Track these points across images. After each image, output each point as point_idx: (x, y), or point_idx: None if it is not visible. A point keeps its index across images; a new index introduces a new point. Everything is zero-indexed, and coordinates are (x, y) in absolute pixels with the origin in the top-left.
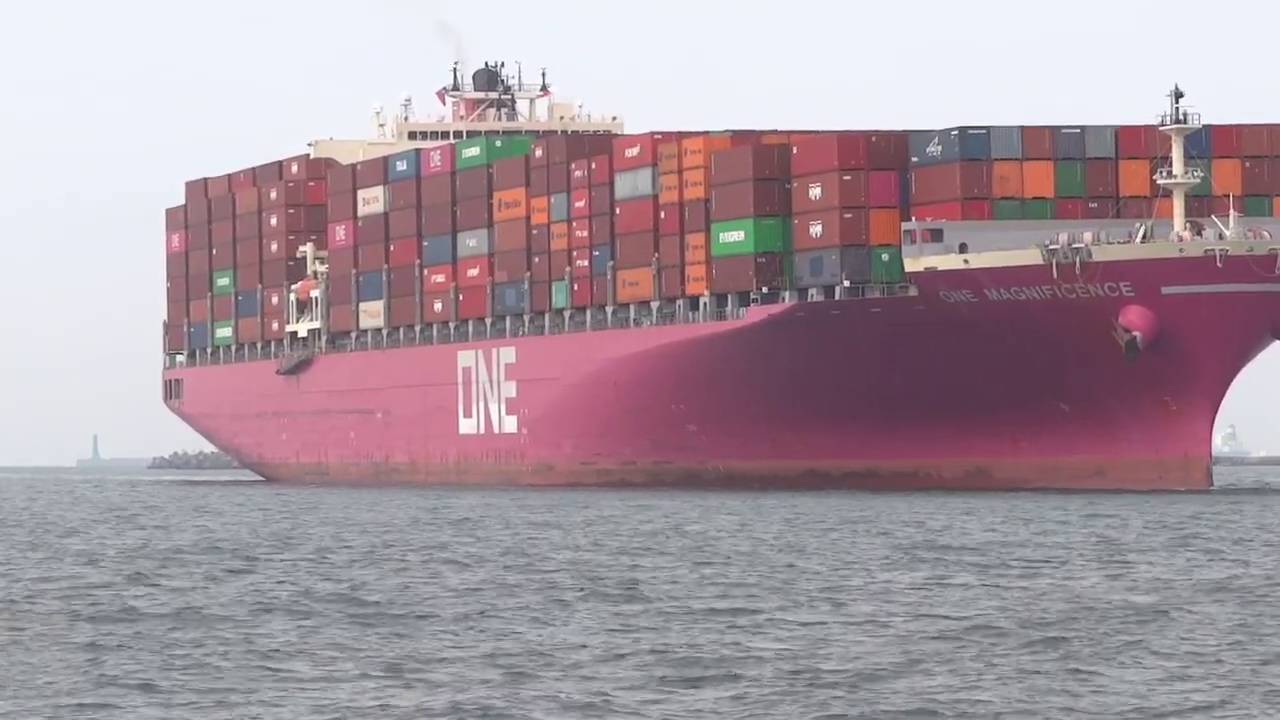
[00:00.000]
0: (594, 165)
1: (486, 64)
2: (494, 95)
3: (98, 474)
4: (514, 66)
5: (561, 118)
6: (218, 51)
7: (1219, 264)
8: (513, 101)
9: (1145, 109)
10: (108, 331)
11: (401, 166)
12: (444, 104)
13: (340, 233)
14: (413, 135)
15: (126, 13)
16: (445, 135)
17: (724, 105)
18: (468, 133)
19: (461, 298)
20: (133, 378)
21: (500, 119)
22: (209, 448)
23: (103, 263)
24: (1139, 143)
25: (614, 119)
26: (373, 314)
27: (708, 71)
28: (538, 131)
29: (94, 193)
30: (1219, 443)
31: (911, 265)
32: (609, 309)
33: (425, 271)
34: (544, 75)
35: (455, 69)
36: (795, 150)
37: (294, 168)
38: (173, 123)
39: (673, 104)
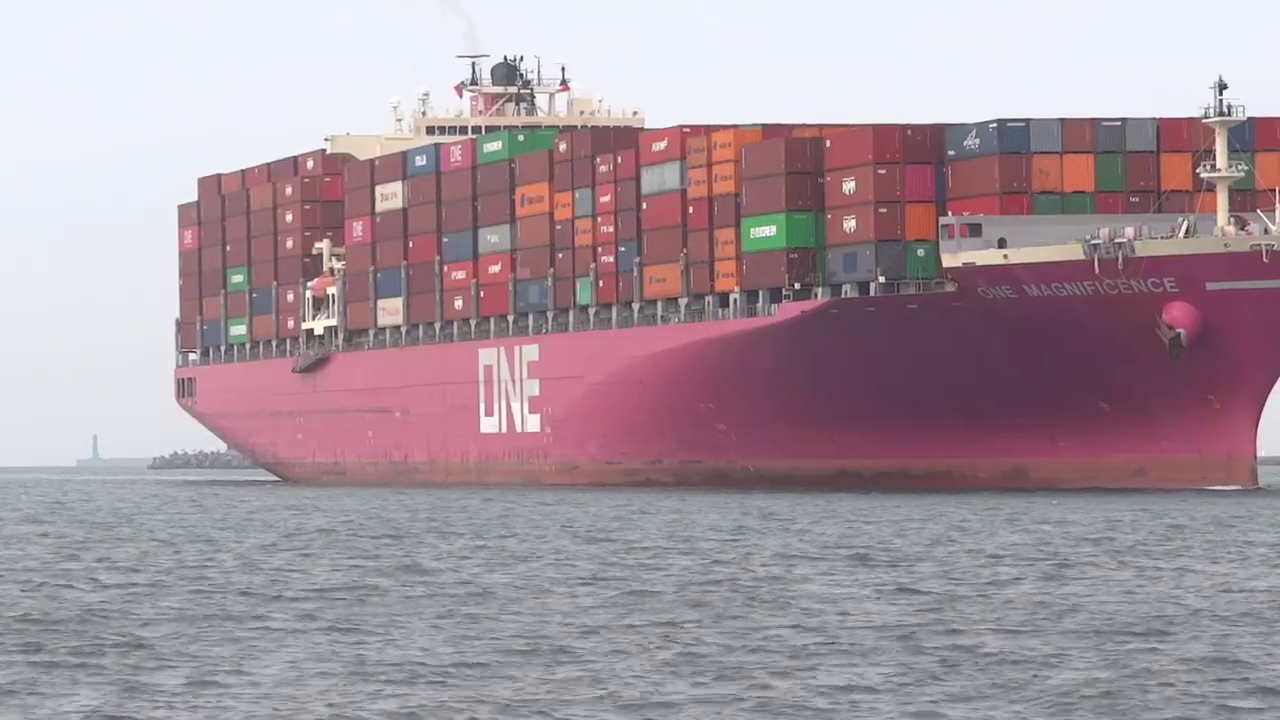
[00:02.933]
0: (620, 159)
1: (505, 58)
2: (513, 90)
3: (97, 474)
4: (533, 61)
5: (581, 113)
6: (230, 47)
7: (1265, 259)
8: (532, 96)
9: (1187, 101)
10: (109, 330)
11: (421, 162)
12: (460, 98)
13: (358, 229)
14: (430, 130)
15: (138, 8)
16: (464, 130)
17: (745, 101)
18: (486, 128)
19: (483, 295)
20: (134, 377)
21: (519, 114)
22: (210, 447)
23: (105, 261)
24: (1181, 136)
25: (635, 114)
26: (391, 311)
27: (728, 67)
28: (558, 126)
29: (99, 191)
30: None
31: (950, 261)
32: (635, 306)
33: (445, 268)
34: (563, 70)
35: (473, 63)
36: (829, 144)
37: (310, 163)
38: (184, 119)
39: (693, 99)
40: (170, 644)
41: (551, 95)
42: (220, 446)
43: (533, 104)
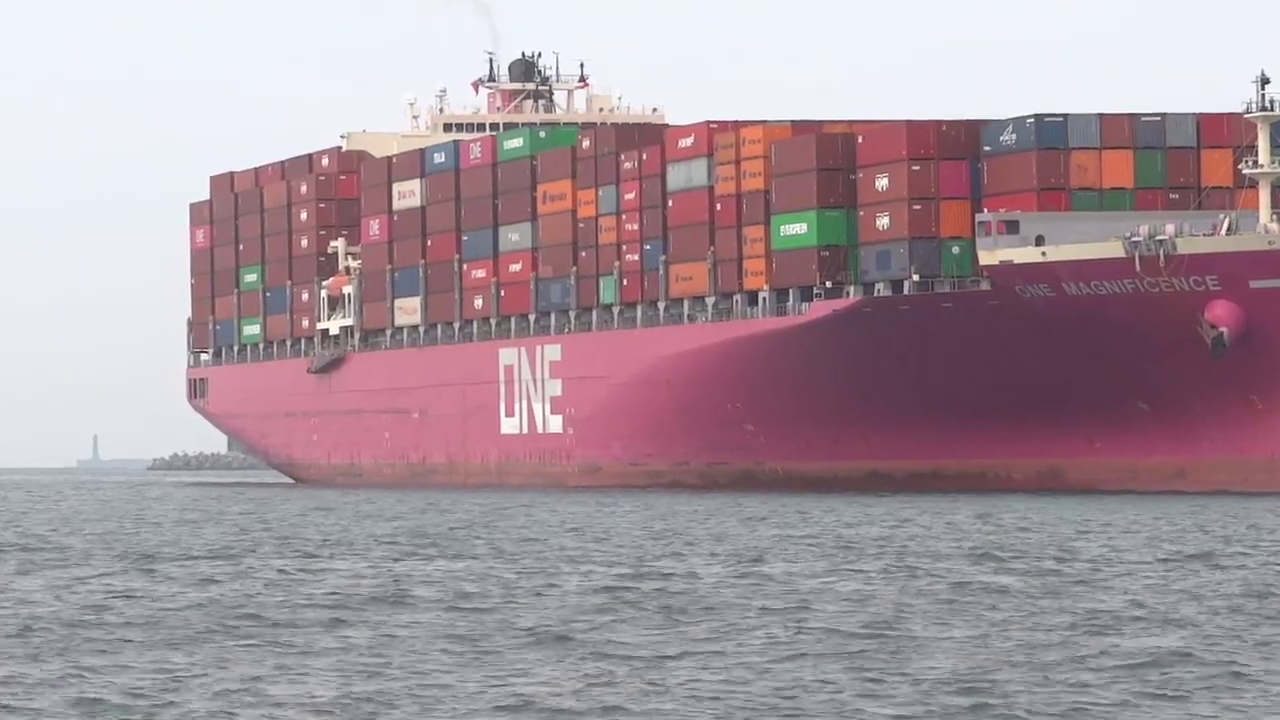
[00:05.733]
0: (644, 156)
1: (523, 54)
2: (531, 86)
3: (98, 475)
4: (551, 57)
5: (600, 109)
6: (242, 43)
7: None
8: (550, 93)
9: (1228, 96)
10: (110, 331)
11: (439, 159)
12: (476, 94)
13: (374, 227)
14: (448, 127)
15: (150, 4)
16: (481, 127)
17: (763, 96)
18: (505, 125)
19: (503, 294)
20: (134, 377)
21: (538, 110)
22: (210, 449)
23: (109, 261)
24: (1222, 131)
25: (654, 110)
26: (409, 311)
27: (746, 63)
28: (577, 123)
29: (104, 191)
30: None
31: (986, 258)
32: (661, 305)
33: (465, 267)
34: (582, 66)
35: (491, 60)
36: (861, 140)
37: (324, 161)
38: (195, 118)
39: (710, 95)
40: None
41: (570, 92)
42: (221, 448)
43: (551, 101)
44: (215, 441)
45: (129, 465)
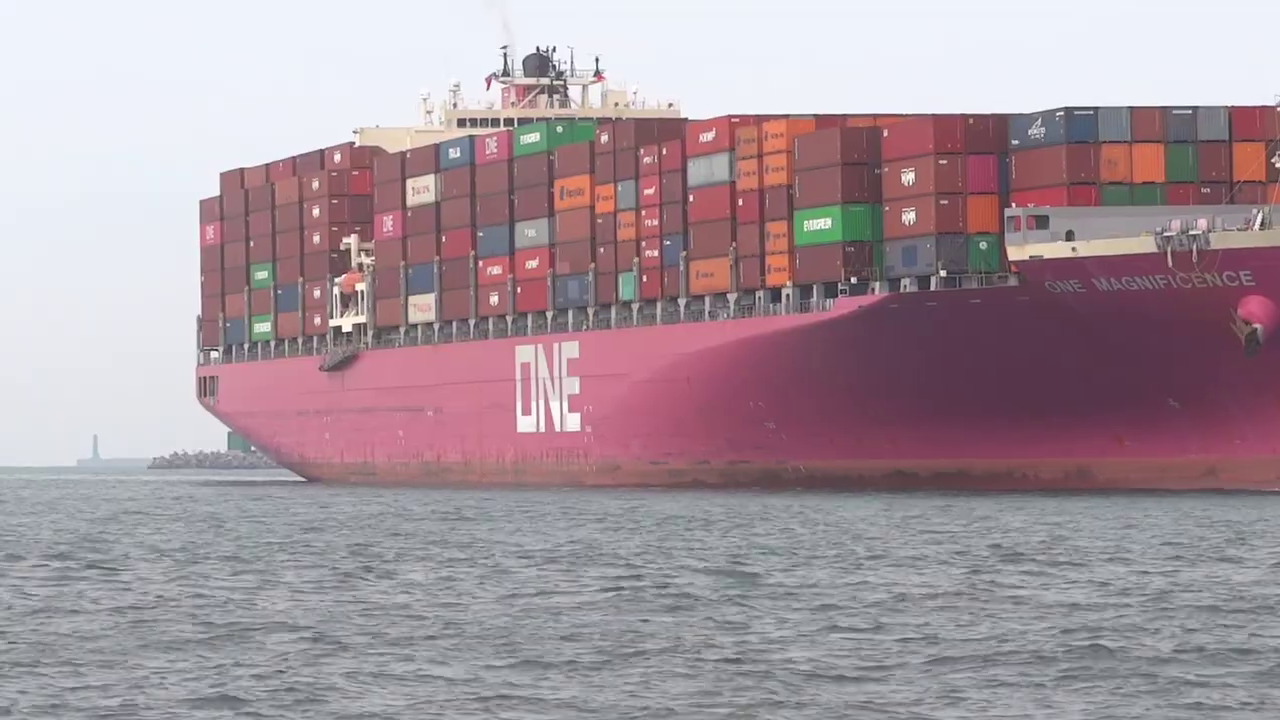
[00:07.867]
0: (664, 151)
1: (538, 49)
2: (545, 81)
3: (101, 474)
4: (566, 51)
5: (616, 104)
6: (251, 40)
7: None
8: (565, 87)
9: (1261, 88)
10: (111, 329)
11: (454, 154)
12: (489, 89)
13: (388, 223)
14: (462, 123)
15: (152, 2)
16: (495, 122)
17: (780, 91)
18: (519, 119)
19: (520, 290)
20: (134, 377)
21: (552, 105)
22: (210, 448)
23: (111, 259)
24: (1254, 124)
25: (669, 105)
26: (423, 308)
27: (761, 57)
28: (592, 118)
29: (109, 189)
30: None
31: (1016, 254)
32: (681, 301)
33: (480, 263)
34: (597, 61)
35: (505, 54)
36: (886, 133)
37: (336, 156)
38: (204, 115)
39: (727, 90)
40: None
41: (585, 86)
42: (221, 446)
43: (566, 95)
44: (215, 440)
45: (129, 464)
